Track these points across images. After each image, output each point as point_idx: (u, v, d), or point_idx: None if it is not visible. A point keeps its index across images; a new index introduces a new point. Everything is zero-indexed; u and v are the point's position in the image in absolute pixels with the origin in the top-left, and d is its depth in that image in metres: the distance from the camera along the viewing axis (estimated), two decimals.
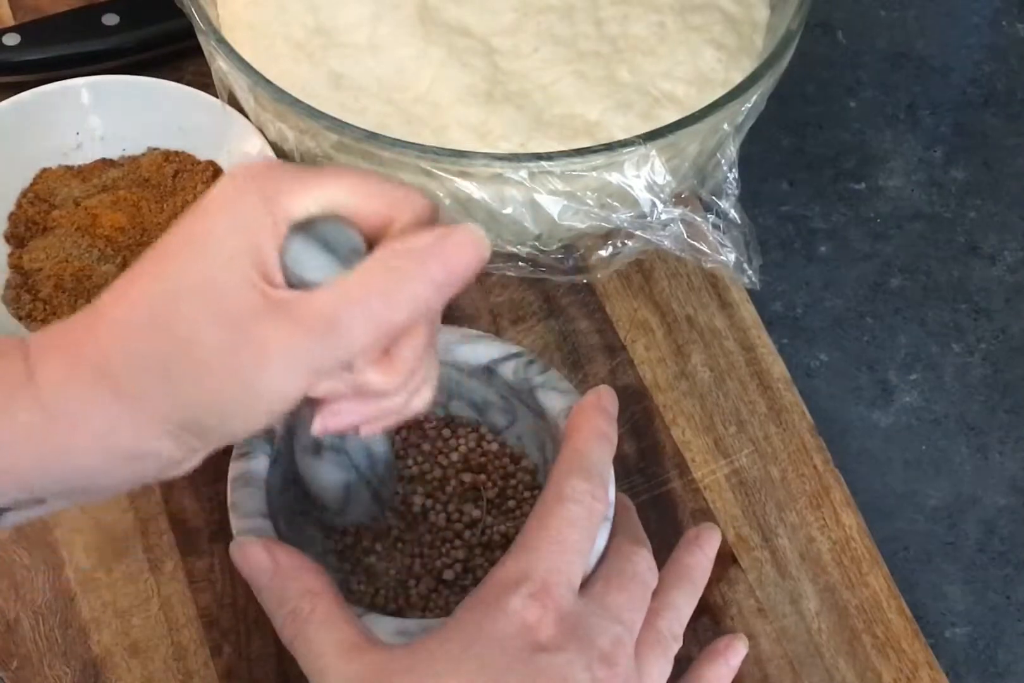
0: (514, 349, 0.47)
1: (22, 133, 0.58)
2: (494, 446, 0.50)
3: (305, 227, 0.34)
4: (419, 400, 0.38)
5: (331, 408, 0.36)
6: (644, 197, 0.50)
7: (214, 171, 0.59)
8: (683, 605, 0.43)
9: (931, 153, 0.71)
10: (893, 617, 0.53)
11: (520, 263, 0.54)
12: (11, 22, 0.67)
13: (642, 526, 0.45)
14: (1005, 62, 0.74)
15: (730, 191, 0.52)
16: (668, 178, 0.50)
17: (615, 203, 0.51)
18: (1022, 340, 0.65)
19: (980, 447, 0.61)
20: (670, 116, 0.53)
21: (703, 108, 0.50)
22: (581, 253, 0.55)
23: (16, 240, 0.57)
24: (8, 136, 0.57)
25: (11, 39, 0.63)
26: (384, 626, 0.40)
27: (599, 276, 0.57)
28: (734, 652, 0.45)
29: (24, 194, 0.58)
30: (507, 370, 0.47)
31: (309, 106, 0.50)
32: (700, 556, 0.46)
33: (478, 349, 0.47)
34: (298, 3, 0.57)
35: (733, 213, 0.52)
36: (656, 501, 0.55)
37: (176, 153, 0.60)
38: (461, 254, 0.34)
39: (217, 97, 0.57)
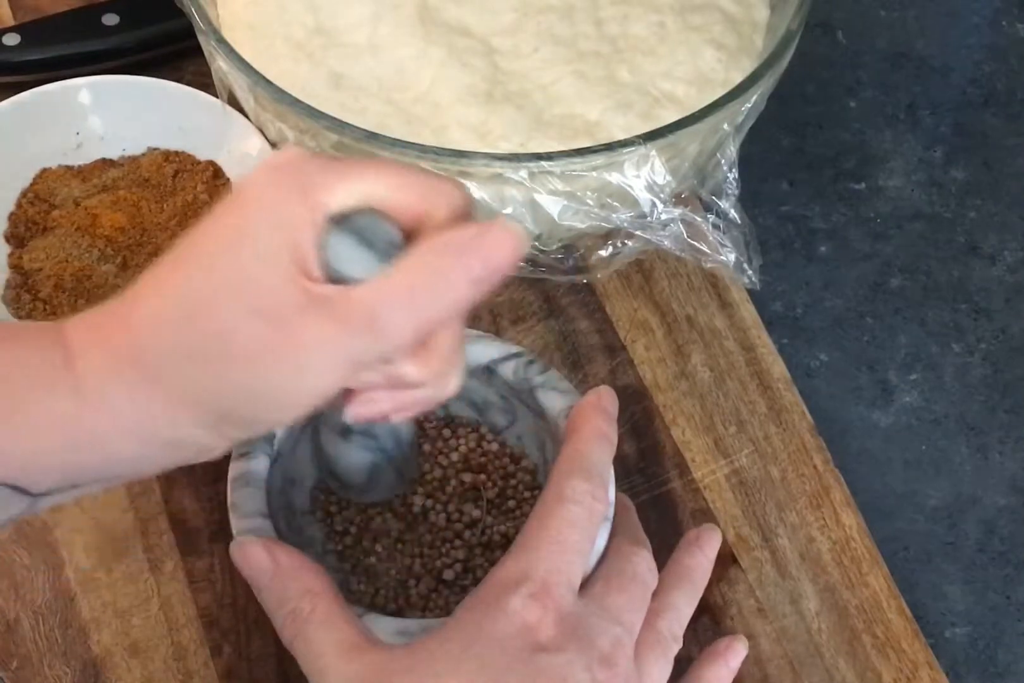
0: (514, 349, 0.47)
1: (22, 133, 0.58)
2: (494, 446, 0.50)
3: (342, 220, 0.34)
4: (448, 388, 0.38)
5: (365, 397, 0.36)
6: (644, 197, 0.50)
7: (214, 171, 0.59)
8: (683, 606, 0.43)
9: (931, 153, 0.71)
10: (893, 617, 0.53)
11: (520, 263, 0.54)
12: (11, 22, 0.67)
13: (642, 526, 0.45)
14: (1005, 62, 0.74)
15: (730, 191, 0.52)
16: (668, 178, 0.50)
17: (615, 203, 0.51)
18: (1022, 340, 0.65)
19: (980, 447, 0.61)
20: (670, 116, 0.53)
21: (703, 108, 0.50)
22: (581, 253, 0.55)
23: (16, 240, 0.57)
24: (8, 136, 0.57)
25: (11, 39, 0.63)
26: (384, 626, 0.40)
27: (599, 276, 0.57)
28: (734, 653, 0.45)
29: (24, 194, 0.58)
30: (507, 370, 0.47)
31: (309, 106, 0.50)
32: (700, 557, 0.46)
33: (478, 349, 0.47)
34: (298, 3, 0.57)
35: (733, 213, 0.52)
36: (656, 501, 0.55)
37: (176, 153, 0.60)
38: (500, 249, 0.34)
39: (217, 97, 0.57)
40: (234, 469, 0.44)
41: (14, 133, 0.58)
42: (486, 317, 0.59)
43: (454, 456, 0.50)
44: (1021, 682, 0.56)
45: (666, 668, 0.41)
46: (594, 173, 0.49)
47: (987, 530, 0.59)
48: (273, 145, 0.56)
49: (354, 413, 0.36)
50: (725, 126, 0.51)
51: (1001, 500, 0.60)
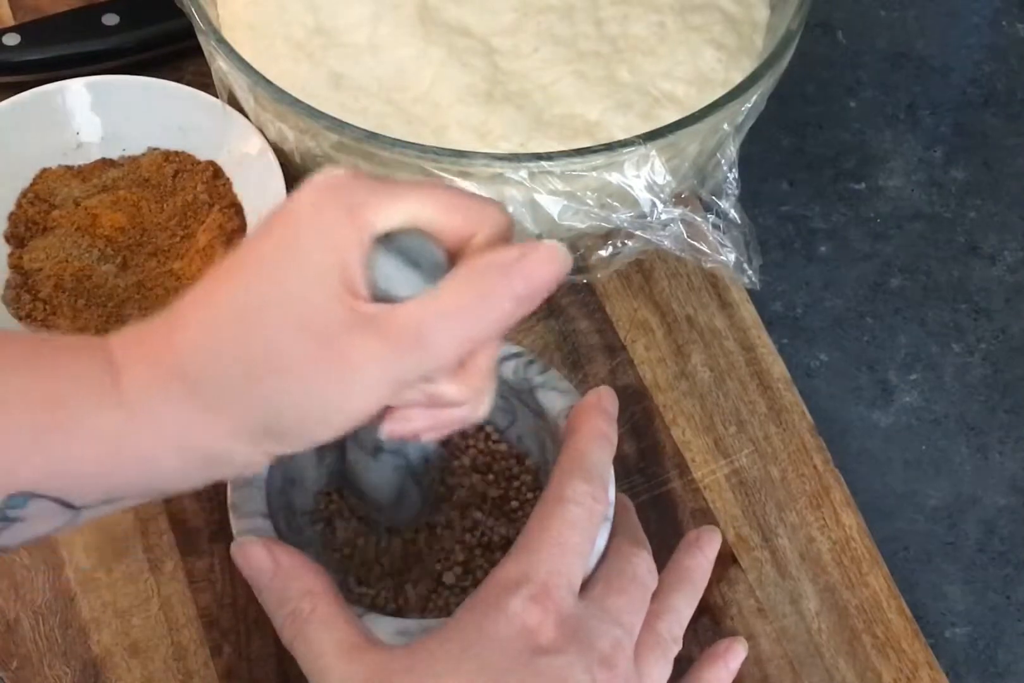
0: (514, 349, 0.47)
1: (22, 133, 0.58)
2: (502, 446, 0.50)
3: (388, 240, 0.35)
4: (481, 409, 0.38)
5: (401, 414, 0.36)
6: (644, 197, 0.50)
7: (214, 171, 0.59)
8: (683, 607, 0.43)
9: (931, 153, 0.71)
10: (893, 617, 0.53)
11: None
12: (11, 22, 0.67)
13: (642, 526, 0.45)
14: (1005, 62, 0.74)
15: (730, 191, 0.52)
16: (668, 178, 0.50)
17: (615, 203, 0.51)
18: (1022, 340, 0.65)
19: (980, 447, 0.61)
20: (670, 116, 0.53)
21: (703, 108, 0.50)
22: (581, 253, 0.55)
23: (16, 240, 0.57)
24: (8, 136, 0.57)
25: (11, 39, 0.63)
26: (384, 626, 0.40)
27: (599, 276, 0.57)
28: (734, 655, 0.45)
29: (24, 194, 0.58)
30: (507, 370, 0.47)
31: (309, 106, 0.50)
32: (700, 558, 0.46)
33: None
34: (298, 3, 0.57)
35: (733, 213, 0.52)
36: (656, 501, 0.55)
37: (176, 153, 0.60)
38: (543, 269, 0.35)
39: (217, 97, 0.57)
40: None
41: (14, 133, 0.58)
42: None
43: (465, 459, 0.50)
44: (1021, 682, 0.56)
45: (666, 669, 0.42)
46: (594, 173, 0.49)
47: (987, 530, 0.59)
48: (273, 145, 0.56)
49: (390, 430, 0.37)
50: (725, 126, 0.51)
51: (1001, 500, 0.60)
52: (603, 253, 0.53)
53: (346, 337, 0.33)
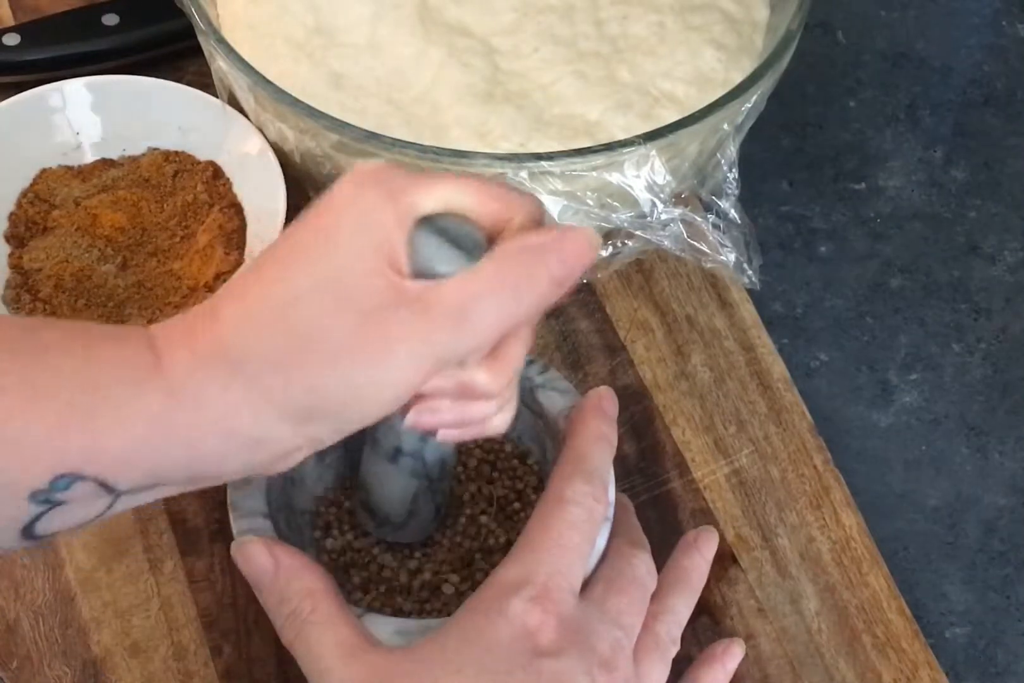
0: None
1: (22, 133, 0.58)
2: (507, 446, 0.50)
3: (428, 221, 0.35)
4: (502, 418, 0.38)
5: (429, 404, 0.37)
6: (644, 197, 0.50)
7: (214, 171, 0.59)
8: (681, 609, 0.43)
9: (931, 153, 0.71)
10: (893, 617, 0.53)
11: None
12: (11, 22, 0.67)
13: (642, 526, 0.45)
14: (1005, 62, 0.74)
15: (730, 191, 0.52)
16: (668, 178, 0.50)
17: (615, 203, 0.51)
18: (1022, 340, 0.65)
19: (980, 447, 0.61)
20: (670, 116, 0.53)
21: (703, 108, 0.50)
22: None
23: (16, 240, 0.57)
24: (8, 136, 0.57)
25: (11, 39, 0.63)
26: (383, 626, 0.40)
27: (599, 276, 0.57)
28: (731, 656, 0.45)
29: (24, 194, 0.58)
30: None
31: (309, 106, 0.50)
32: (698, 559, 0.46)
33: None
34: (298, 3, 0.57)
35: (733, 213, 0.52)
36: (656, 501, 0.55)
37: (176, 153, 0.60)
38: (578, 250, 0.36)
39: (217, 97, 0.57)
40: None
41: (14, 133, 0.58)
42: None
43: (471, 462, 0.50)
44: (1021, 682, 0.56)
45: (664, 671, 0.42)
46: (594, 173, 0.49)
47: (987, 530, 0.59)
48: (273, 145, 0.56)
49: (415, 419, 0.37)
50: (725, 126, 0.51)
51: (1001, 500, 0.60)
52: (603, 253, 0.53)
53: (387, 313, 0.34)
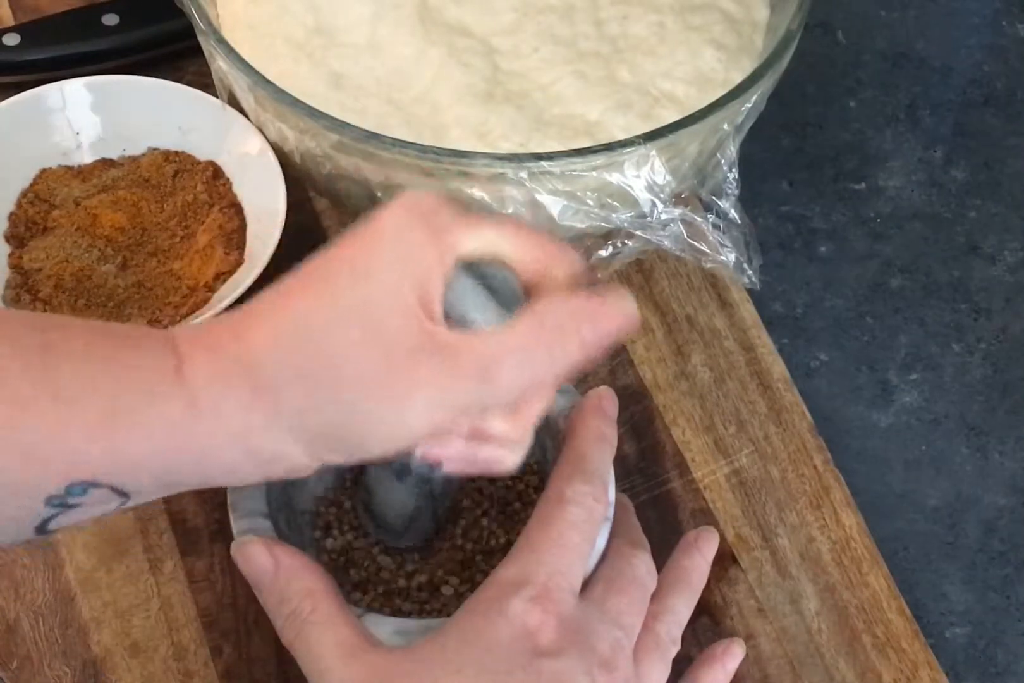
0: None
1: (22, 133, 0.58)
2: None
3: (468, 265, 0.35)
4: (512, 459, 0.38)
5: (442, 440, 0.37)
6: (644, 197, 0.50)
7: (214, 171, 0.59)
8: (682, 609, 0.43)
9: (931, 153, 0.71)
10: (893, 617, 0.53)
11: None
12: (11, 22, 0.67)
13: (642, 526, 0.45)
14: (1005, 62, 0.74)
15: (730, 191, 0.52)
16: (668, 178, 0.50)
17: (615, 203, 0.51)
18: (1022, 340, 0.65)
19: (980, 447, 0.61)
20: (670, 116, 0.53)
21: (703, 108, 0.50)
22: (581, 253, 0.55)
23: (16, 240, 0.57)
24: (8, 136, 0.57)
25: (11, 39, 0.63)
26: (383, 626, 0.40)
27: (599, 276, 0.57)
28: (731, 657, 0.45)
29: (24, 194, 0.58)
30: None
31: (309, 106, 0.50)
32: (699, 559, 0.46)
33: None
34: (298, 3, 0.57)
35: (733, 213, 0.52)
36: (656, 501, 0.55)
37: (176, 153, 0.60)
38: (614, 319, 0.36)
39: (217, 97, 0.57)
40: None
41: (14, 133, 0.58)
42: None
43: None
44: (1021, 682, 0.56)
45: (665, 671, 0.42)
46: (594, 173, 0.49)
47: (987, 530, 0.59)
48: (273, 145, 0.56)
49: (425, 452, 0.37)
50: (725, 126, 0.51)
51: (1001, 500, 0.60)
52: (603, 253, 0.53)
53: (415, 356, 0.34)
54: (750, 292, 0.60)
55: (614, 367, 0.58)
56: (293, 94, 0.50)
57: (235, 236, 0.56)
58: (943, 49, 0.75)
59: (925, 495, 0.60)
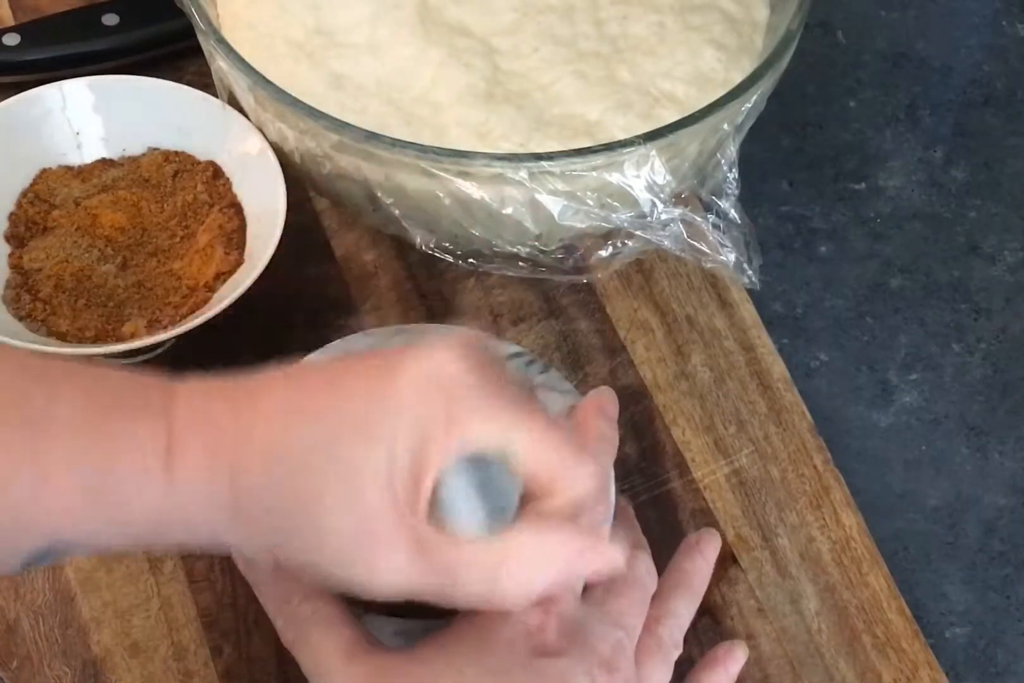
0: (514, 349, 0.47)
1: (22, 133, 0.58)
2: None
3: (472, 460, 0.35)
4: None
5: None
6: (644, 197, 0.50)
7: (214, 171, 0.58)
8: (683, 612, 0.43)
9: (931, 153, 0.71)
10: (893, 617, 0.53)
11: (520, 263, 0.54)
12: (11, 22, 0.67)
13: (642, 526, 0.45)
14: (1005, 62, 0.74)
15: (730, 191, 0.52)
16: (668, 178, 0.50)
17: (615, 203, 0.51)
18: (1022, 340, 0.65)
19: (980, 447, 0.61)
20: (670, 116, 0.53)
21: (703, 108, 0.50)
22: (581, 253, 0.55)
23: (16, 240, 0.57)
24: (8, 136, 0.57)
25: (11, 39, 0.63)
26: (384, 627, 0.40)
27: (599, 276, 0.57)
28: (733, 659, 0.45)
29: (24, 194, 0.58)
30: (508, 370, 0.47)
31: (309, 106, 0.50)
32: (700, 562, 0.46)
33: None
34: (298, 3, 0.57)
35: (733, 213, 0.52)
36: (656, 501, 0.55)
37: (176, 153, 0.59)
38: (592, 567, 0.36)
39: (217, 97, 0.57)
40: None
41: (14, 133, 0.58)
42: (486, 317, 0.59)
43: None
44: (1021, 682, 0.56)
45: (667, 674, 0.42)
46: (594, 173, 0.49)
47: (987, 530, 0.59)
48: (273, 145, 0.56)
49: None
50: (725, 126, 0.51)
51: (1001, 500, 0.60)
52: (603, 253, 0.53)
53: (386, 536, 0.34)
54: (750, 292, 0.60)
55: (614, 367, 0.58)
56: (293, 94, 0.50)
57: (235, 236, 0.56)
58: (943, 49, 0.75)
59: (925, 495, 0.60)
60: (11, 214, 0.58)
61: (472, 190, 0.49)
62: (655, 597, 0.42)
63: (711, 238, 0.51)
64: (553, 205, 0.50)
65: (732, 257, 0.52)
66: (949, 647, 0.56)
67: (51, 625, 0.50)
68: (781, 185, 0.69)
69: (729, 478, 0.55)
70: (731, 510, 0.55)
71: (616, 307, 0.60)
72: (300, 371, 0.37)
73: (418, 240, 0.53)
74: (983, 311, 0.65)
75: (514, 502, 0.36)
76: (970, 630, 0.57)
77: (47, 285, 0.55)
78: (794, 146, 0.70)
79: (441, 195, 0.50)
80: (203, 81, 0.59)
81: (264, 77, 0.51)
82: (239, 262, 0.56)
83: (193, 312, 0.54)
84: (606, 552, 0.36)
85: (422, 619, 0.45)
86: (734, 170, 0.52)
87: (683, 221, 0.51)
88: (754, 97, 0.52)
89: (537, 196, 0.50)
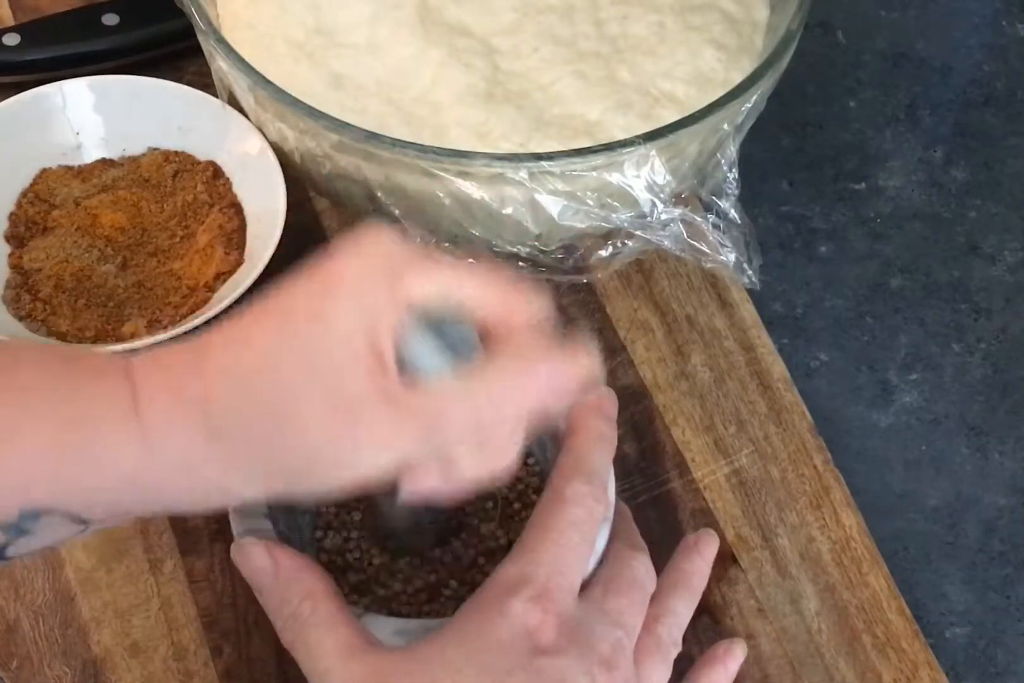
0: None
1: (22, 133, 0.58)
2: None
3: (423, 312, 0.35)
4: (503, 474, 0.38)
5: (415, 476, 0.36)
6: (644, 197, 0.50)
7: (214, 171, 0.59)
8: (682, 611, 0.43)
9: (931, 153, 0.71)
10: (893, 617, 0.53)
11: (520, 263, 0.54)
12: (11, 22, 0.67)
13: (642, 526, 0.45)
14: (1005, 62, 0.74)
15: (730, 191, 0.52)
16: (668, 178, 0.50)
17: (615, 203, 0.51)
18: (1022, 340, 0.65)
19: (980, 447, 0.61)
20: (670, 116, 0.53)
21: (703, 108, 0.50)
22: (581, 253, 0.55)
23: (16, 240, 0.57)
24: (8, 136, 0.57)
25: (11, 39, 0.63)
26: (383, 627, 0.40)
27: (599, 276, 0.57)
28: (733, 657, 0.45)
29: (24, 194, 0.58)
30: None
31: (309, 106, 0.50)
32: (699, 562, 0.46)
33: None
34: (298, 3, 0.57)
35: (733, 213, 0.52)
36: (656, 501, 0.55)
37: (176, 153, 0.60)
38: (570, 378, 0.36)
39: (217, 97, 0.57)
40: None
41: (14, 133, 0.58)
42: None
43: None
44: (1021, 682, 0.56)
45: (666, 673, 0.42)
46: (594, 173, 0.49)
47: (987, 530, 0.59)
48: (273, 145, 0.56)
49: (407, 495, 0.37)
50: (725, 126, 0.51)
51: (1001, 500, 0.60)
52: (603, 253, 0.53)
53: (363, 407, 0.34)
54: (750, 292, 0.60)
55: (614, 367, 0.58)
56: (293, 94, 0.50)
57: (235, 236, 0.56)
58: (943, 49, 0.75)
59: (925, 495, 0.60)
60: (11, 214, 0.58)
61: (472, 190, 0.49)
62: (654, 597, 0.42)
63: (711, 238, 0.51)
64: (553, 205, 0.50)
65: (732, 257, 0.52)
66: (949, 647, 0.56)
67: (51, 625, 0.50)
68: (781, 185, 0.69)
69: (729, 478, 0.55)
70: (731, 510, 0.55)
71: (616, 307, 0.60)
72: (243, 312, 0.37)
73: (418, 240, 0.53)
74: (983, 311, 0.65)
75: (479, 352, 0.36)
76: (970, 630, 0.57)
77: (47, 285, 0.55)
78: (794, 146, 0.70)
79: (441, 195, 0.50)
80: (203, 81, 0.59)
81: (264, 77, 0.51)
82: (239, 262, 0.56)
83: (193, 312, 0.54)
84: (575, 359, 0.36)
85: (422, 619, 0.46)
86: (734, 170, 0.52)
87: (683, 221, 0.51)
88: (754, 97, 0.52)
89: (537, 196, 0.50)
